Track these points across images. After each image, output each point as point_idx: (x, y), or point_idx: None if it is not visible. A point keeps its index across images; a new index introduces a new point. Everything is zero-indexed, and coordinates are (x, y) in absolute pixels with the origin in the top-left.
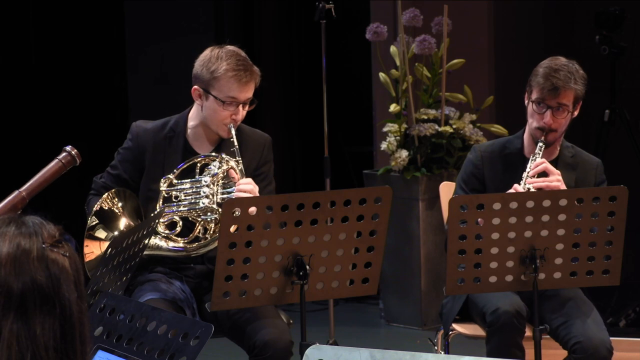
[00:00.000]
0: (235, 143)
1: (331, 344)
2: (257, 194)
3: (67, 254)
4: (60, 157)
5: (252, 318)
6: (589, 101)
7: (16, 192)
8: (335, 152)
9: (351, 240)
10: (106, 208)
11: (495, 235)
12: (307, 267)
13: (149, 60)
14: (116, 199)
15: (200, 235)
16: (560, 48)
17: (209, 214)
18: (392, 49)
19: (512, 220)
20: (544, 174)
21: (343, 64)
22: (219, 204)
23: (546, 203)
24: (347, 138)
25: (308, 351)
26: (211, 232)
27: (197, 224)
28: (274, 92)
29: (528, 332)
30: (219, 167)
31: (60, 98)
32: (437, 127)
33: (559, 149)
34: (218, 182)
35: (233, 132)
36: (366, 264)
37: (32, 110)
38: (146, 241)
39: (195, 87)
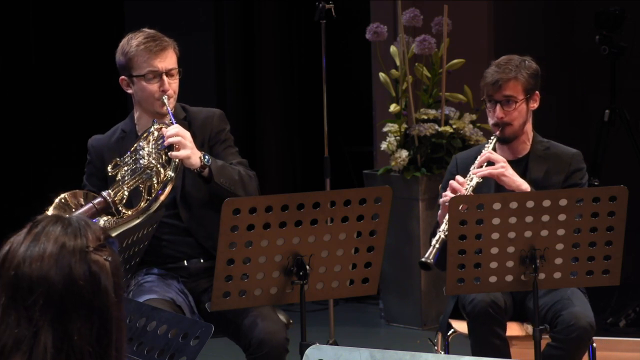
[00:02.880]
0: (170, 111)
1: (331, 344)
2: (188, 137)
3: (109, 259)
4: (94, 201)
5: (247, 316)
6: (589, 101)
7: None
8: (335, 152)
9: (351, 240)
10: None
11: (495, 235)
12: (307, 267)
13: None
14: (74, 199)
15: (146, 196)
16: (560, 48)
17: (148, 171)
18: (392, 49)
19: (512, 220)
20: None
21: (343, 64)
22: (156, 159)
23: (546, 203)
24: (347, 138)
25: (308, 351)
26: (155, 188)
27: (143, 190)
28: (274, 92)
29: (520, 331)
30: (152, 129)
31: (60, 98)
32: (437, 127)
33: (529, 144)
34: (153, 141)
35: (167, 103)
36: (366, 264)
37: (32, 110)
38: (147, 242)
39: (121, 77)
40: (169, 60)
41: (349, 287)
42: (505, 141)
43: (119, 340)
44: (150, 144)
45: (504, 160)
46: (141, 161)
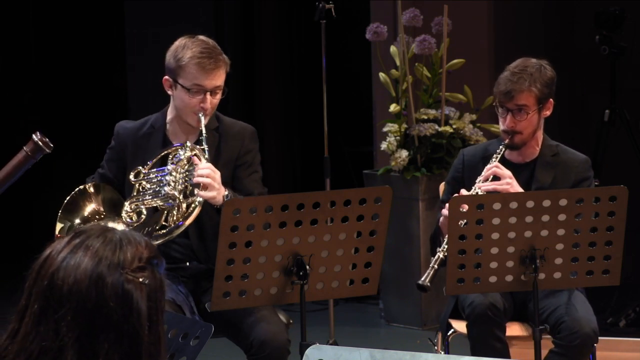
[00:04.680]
0: (204, 131)
1: (331, 344)
2: (217, 179)
3: (147, 282)
4: (26, 146)
5: (249, 317)
6: (589, 101)
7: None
8: (335, 152)
9: (351, 240)
10: (75, 198)
11: (495, 235)
12: (307, 267)
13: (149, 60)
14: (92, 190)
15: (164, 223)
16: (560, 48)
17: (170, 201)
18: (392, 49)
19: (512, 220)
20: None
21: (343, 64)
22: (181, 191)
23: (546, 203)
24: (347, 138)
25: (308, 351)
26: (174, 219)
27: (161, 213)
28: (274, 92)
29: (520, 332)
30: (183, 154)
31: (60, 98)
32: (437, 127)
33: (538, 149)
34: (182, 169)
35: (202, 121)
36: (366, 264)
37: (32, 110)
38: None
39: (165, 77)
40: (217, 78)
41: (349, 287)
42: (514, 148)
43: None
44: (179, 172)
45: (510, 175)
46: (166, 188)
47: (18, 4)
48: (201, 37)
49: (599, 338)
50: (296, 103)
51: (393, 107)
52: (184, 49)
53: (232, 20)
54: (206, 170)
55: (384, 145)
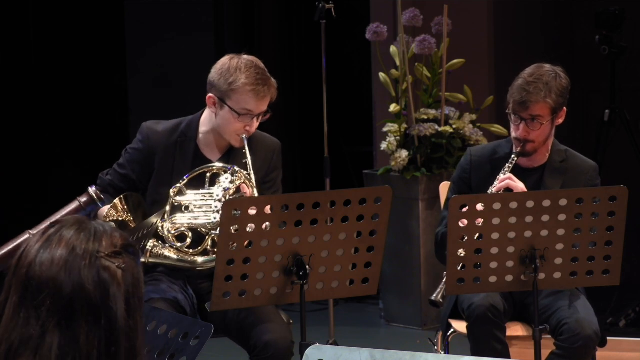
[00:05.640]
0: (249, 155)
1: (331, 344)
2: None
3: (122, 267)
4: (80, 197)
5: (253, 318)
6: (589, 101)
7: (26, 235)
8: (335, 152)
9: (351, 240)
10: (115, 219)
11: (495, 235)
12: (307, 267)
13: (149, 60)
14: (126, 206)
15: (209, 248)
16: (560, 48)
17: (215, 230)
18: (392, 49)
19: (512, 220)
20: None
21: (343, 64)
22: None
23: (546, 203)
24: (347, 138)
25: (308, 351)
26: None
27: (207, 238)
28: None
29: (521, 332)
30: (231, 181)
31: (60, 98)
32: (437, 127)
33: (548, 154)
34: (230, 196)
35: (246, 143)
36: (366, 264)
37: (32, 110)
38: (147, 242)
39: (211, 95)
40: (266, 104)
41: (349, 287)
42: (525, 155)
43: (131, 351)
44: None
45: (523, 187)
46: (215, 215)
47: (18, 4)
48: (250, 58)
49: (607, 338)
50: (296, 103)
51: (393, 107)
52: (237, 72)
53: (232, 20)
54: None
55: (384, 145)
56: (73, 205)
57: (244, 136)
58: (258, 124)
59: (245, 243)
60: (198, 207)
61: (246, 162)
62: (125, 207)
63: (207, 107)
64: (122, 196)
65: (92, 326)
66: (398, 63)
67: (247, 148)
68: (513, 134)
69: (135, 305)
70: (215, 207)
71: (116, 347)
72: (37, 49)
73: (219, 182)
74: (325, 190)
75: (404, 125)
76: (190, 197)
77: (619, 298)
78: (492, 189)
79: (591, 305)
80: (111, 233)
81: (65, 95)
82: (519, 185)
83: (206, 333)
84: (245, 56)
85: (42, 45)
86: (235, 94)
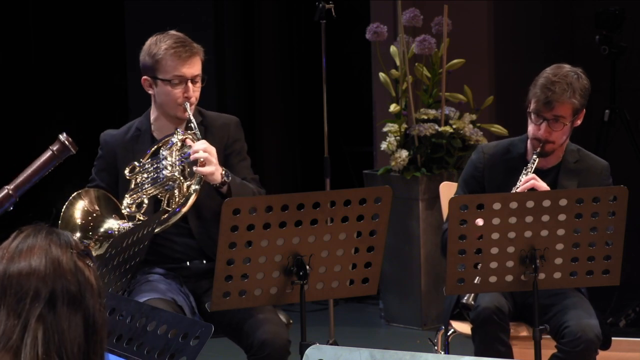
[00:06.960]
0: (192, 119)
1: (331, 344)
2: (214, 153)
3: (91, 265)
4: (52, 146)
5: (249, 317)
6: (589, 101)
7: (5, 191)
8: (335, 152)
9: (351, 240)
10: (68, 206)
11: (495, 235)
12: (307, 267)
13: None
14: (84, 195)
15: (167, 208)
16: (560, 48)
17: (170, 183)
18: (392, 49)
19: (512, 220)
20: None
21: (343, 64)
22: (180, 172)
23: (546, 203)
24: (347, 138)
25: (308, 351)
26: (176, 201)
27: (163, 199)
28: (274, 92)
29: (522, 332)
30: (176, 139)
31: (60, 98)
32: (437, 127)
33: (562, 154)
34: (177, 151)
35: (189, 109)
36: (366, 264)
37: (32, 110)
38: (147, 242)
39: (144, 77)
40: (195, 67)
41: (349, 287)
42: (543, 156)
43: (103, 344)
44: (174, 155)
45: (547, 187)
46: (164, 172)
47: (18, 4)
48: (171, 31)
49: (612, 338)
50: (296, 103)
51: (393, 107)
52: (157, 44)
53: (232, 20)
54: (202, 145)
55: (384, 145)
56: (47, 155)
57: (186, 104)
58: (198, 90)
59: (245, 243)
60: (149, 172)
61: (192, 126)
62: (85, 196)
63: (146, 91)
64: (82, 191)
65: (74, 315)
66: (398, 63)
67: (190, 114)
68: (532, 134)
69: (102, 300)
70: (163, 165)
71: (94, 339)
72: (37, 49)
73: (167, 145)
74: (325, 190)
75: (404, 125)
76: (143, 168)
77: (619, 298)
78: (516, 189)
79: (591, 305)
80: (73, 239)
81: (65, 95)
82: (543, 186)
83: (206, 333)
84: (168, 31)
85: (42, 45)
86: (160, 64)
